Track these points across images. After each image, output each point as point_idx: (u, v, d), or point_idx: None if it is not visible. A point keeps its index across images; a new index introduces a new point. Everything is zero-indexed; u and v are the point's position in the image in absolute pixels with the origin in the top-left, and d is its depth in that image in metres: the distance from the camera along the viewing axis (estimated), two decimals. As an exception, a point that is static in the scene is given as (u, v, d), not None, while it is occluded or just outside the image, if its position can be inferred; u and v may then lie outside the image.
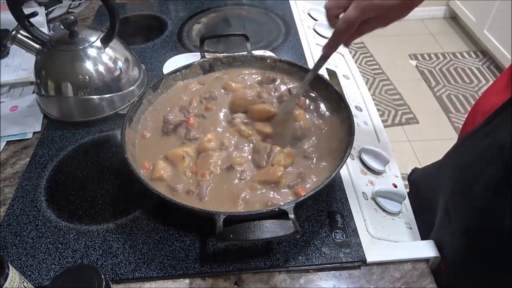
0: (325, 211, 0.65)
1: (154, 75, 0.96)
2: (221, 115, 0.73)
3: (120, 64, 0.84)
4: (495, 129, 0.53)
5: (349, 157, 0.62)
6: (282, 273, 0.58)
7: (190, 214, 0.57)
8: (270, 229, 0.48)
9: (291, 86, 0.76)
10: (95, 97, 0.81)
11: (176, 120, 0.71)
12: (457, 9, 2.89)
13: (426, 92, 2.42)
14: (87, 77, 0.80)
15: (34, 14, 0.79)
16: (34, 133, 0.83)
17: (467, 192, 0.55)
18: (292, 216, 0.51)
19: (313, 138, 0.68)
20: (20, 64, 1.01)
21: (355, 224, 0.63)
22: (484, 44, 2.62)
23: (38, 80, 0.83)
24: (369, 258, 0.58)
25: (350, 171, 0.71)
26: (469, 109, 1.38)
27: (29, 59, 0.92)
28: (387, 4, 0.53)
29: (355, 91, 0.92)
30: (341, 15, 0.57)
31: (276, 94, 0.75)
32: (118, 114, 0.85)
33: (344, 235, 0.61)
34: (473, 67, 2.58)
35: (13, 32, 0.78)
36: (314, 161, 0.65)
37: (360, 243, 0.60)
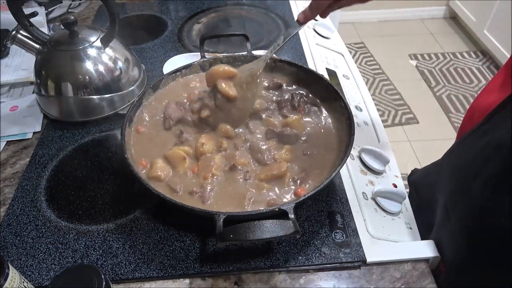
0: (325, 211, 0.65)
1: (154, 75, 0.95)
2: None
3: (120, 64, 0.84)
4: (493, 127, 0.53)
5: (349, 157, 0.62)
6: (282, 273, 0.58)
7: (190, 214, 0.57)
8: (270, 229, 0.48)
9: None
10: (95, 97, 0.81)
11: (177, 115, 0.70)
12: (457, 9, 2.89)
13: (426, 92, 2.42)
14: (87, 77, 0.80)
15: (34, 14, 0.79)
16: (34, 133, 0.83)
17: (466, 191, 0.55)
18: (292, 216, 0.51)
19: (313, 138, 0.68)
20: (20, 64, 1.01)
21: (355, 224, 0.63)
22: (484, 44, 2.62)
23: (38, 80, 0.83)
24: (369, 258, 0.58)
25: (350, 171, 0.71)
26: (469, 109, 1.38)
27: (29, 59, 0.92)
28: None
29: (355, 91, 0.92)
30: None
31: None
32: (118, 114, 0.85)
33: (344, 235, 0.61)
34: (473, 67, 2.58)
35: (13, 32, 0.78)
36: (314, 161, 0.65)
37: (360, 243, 0.60)
